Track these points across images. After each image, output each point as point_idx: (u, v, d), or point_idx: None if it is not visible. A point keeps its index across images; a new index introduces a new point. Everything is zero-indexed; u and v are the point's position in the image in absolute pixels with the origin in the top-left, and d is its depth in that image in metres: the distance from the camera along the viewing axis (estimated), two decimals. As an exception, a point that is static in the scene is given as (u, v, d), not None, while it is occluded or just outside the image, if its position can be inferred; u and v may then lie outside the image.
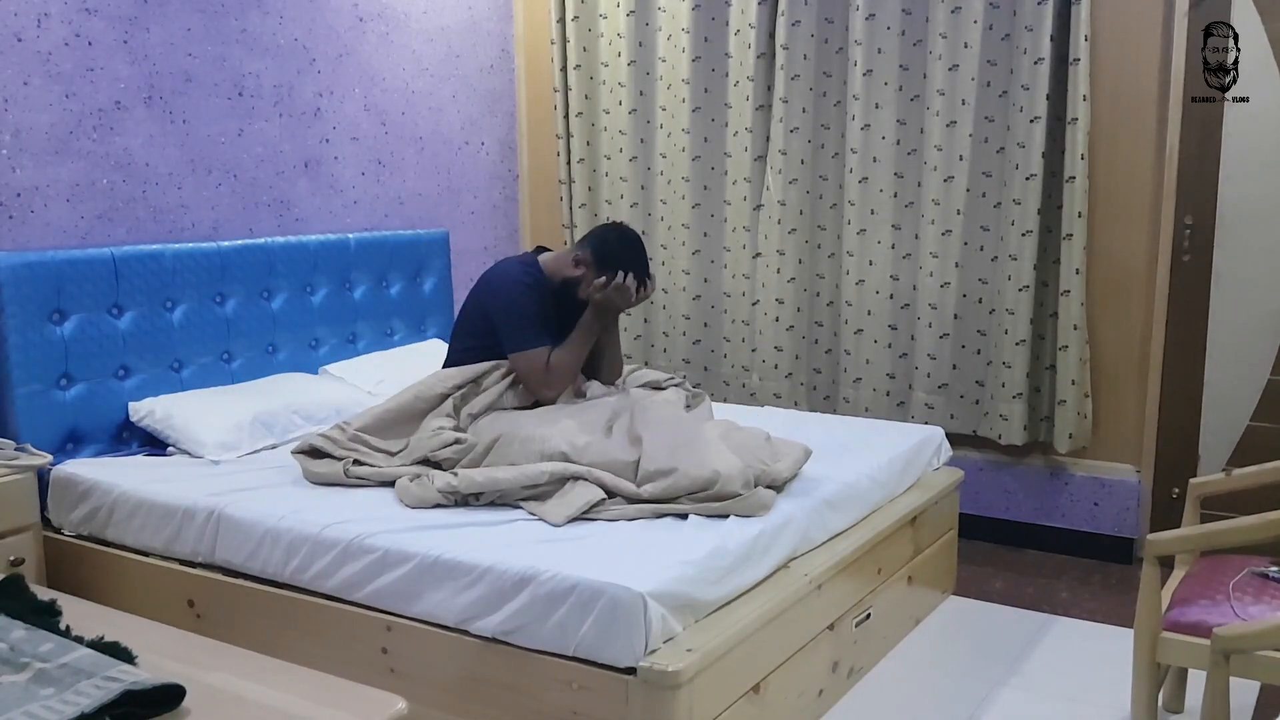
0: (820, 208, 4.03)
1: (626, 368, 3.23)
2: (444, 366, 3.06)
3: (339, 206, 3.85)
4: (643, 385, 3.12)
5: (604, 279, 2.90)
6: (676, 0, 4.16)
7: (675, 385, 3.17)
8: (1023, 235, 3.55)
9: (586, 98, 4.44)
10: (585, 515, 2.45)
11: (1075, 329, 3.53)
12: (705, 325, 4.33)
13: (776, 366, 4.10)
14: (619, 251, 2.95)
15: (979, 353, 3.78)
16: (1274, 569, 2.29)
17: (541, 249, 3.13)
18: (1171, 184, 3.43)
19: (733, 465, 2.51)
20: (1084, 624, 3.14)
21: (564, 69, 4.44)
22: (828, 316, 4.07)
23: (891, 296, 3.90)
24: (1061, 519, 3.74)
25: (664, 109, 4.25)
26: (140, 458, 3.02)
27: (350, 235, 3.79)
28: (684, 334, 4.34)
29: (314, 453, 2.82)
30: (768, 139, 4.05)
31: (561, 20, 4.40)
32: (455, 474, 2.59)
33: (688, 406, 3.04)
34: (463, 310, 3.08)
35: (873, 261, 3.91)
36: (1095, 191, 3.57)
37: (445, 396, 2.89)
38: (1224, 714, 2.03)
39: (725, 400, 4.17)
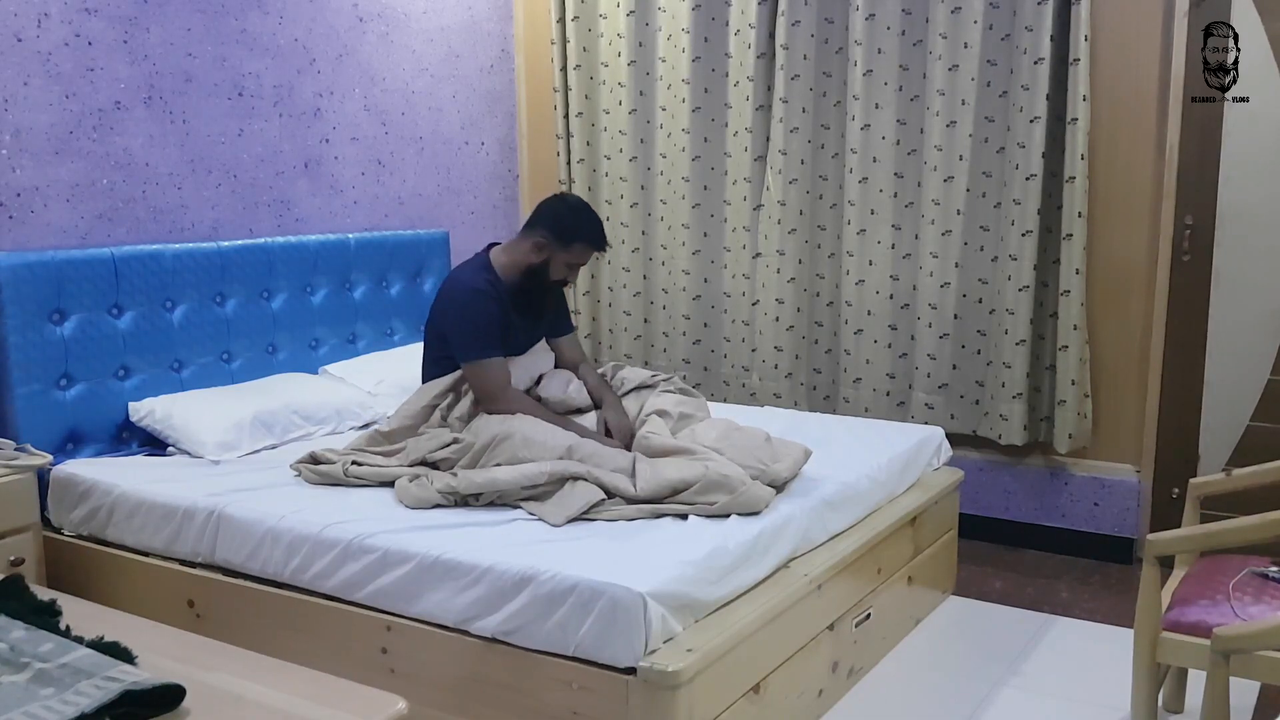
0: (820, 208, 4.03)
1: (610, 367, 3.20)
2: (422, 381, 3.05)
3: (339, 206, 3.85)
4: (634, 389, 3.05)
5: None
6: (676, 0, 4.17)
7: (665, 382, 3.12)
8: (1023, 235, 3.55)
9: (586, 98, 4.44)
10: (585, 515, 2.45)
11: (1075, 329, 3.53)
12: (705, 325, 4.33)
13: (776, 366, 4.10)
14: (576, 222, 2.90)
15: (979, 353, 3.78)
16: (1274, 569, 2.29)
17: (492, 245, 3.04)
18: (1171, 184, 3.43)
19: (730, 469, 2.51)
20: (1084, 624, 3.14)
21: (564, 69, 4.44)
22: (828, 316, 4.07)
23: (891, 296, 3.90)
24: (1061, 519, 3.74)
25: (664, 109, 4.25)
26: (140, 458, 3.02)
27: (350, 235, 3.79)
28: (684, 334, 4.34)
29: (313, 461, 2.83)
30: (768, 139, 4.05)
31: (561, 20, 4.40)
32: (455, 474, 2.59)
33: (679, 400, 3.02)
34: (427, 325, 3.04)
35: (873, 261, 3.91)
36: (1095, 191, 3.57)
37: (432, 408, 2.90)
38: (1224, 714, 2.03)
39: (725, 400, 4.17)
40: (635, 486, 2.52)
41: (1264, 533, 2.17)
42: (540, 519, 2.44)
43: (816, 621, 2.51)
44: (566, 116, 4.46)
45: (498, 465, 2.61)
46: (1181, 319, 3.47)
